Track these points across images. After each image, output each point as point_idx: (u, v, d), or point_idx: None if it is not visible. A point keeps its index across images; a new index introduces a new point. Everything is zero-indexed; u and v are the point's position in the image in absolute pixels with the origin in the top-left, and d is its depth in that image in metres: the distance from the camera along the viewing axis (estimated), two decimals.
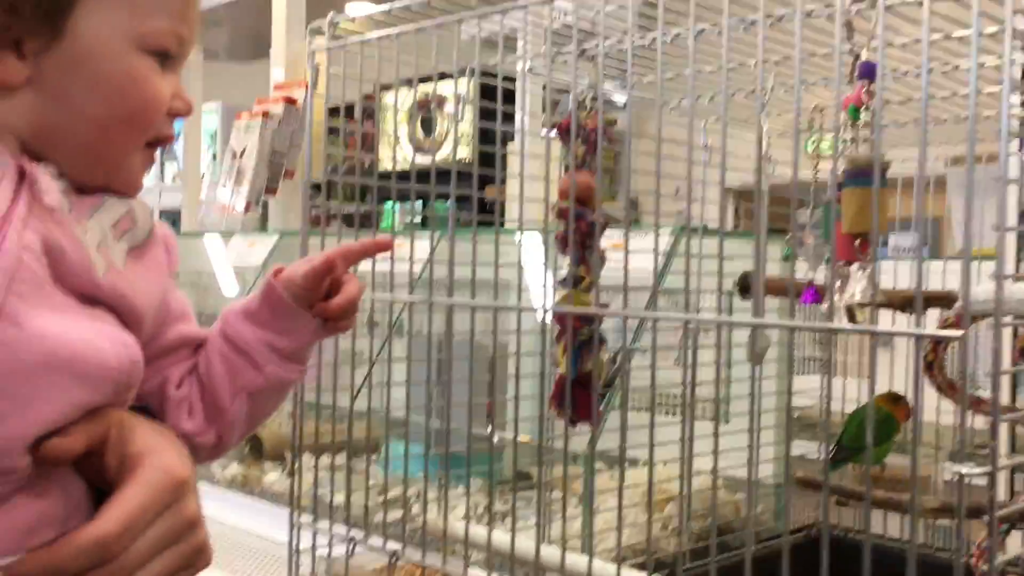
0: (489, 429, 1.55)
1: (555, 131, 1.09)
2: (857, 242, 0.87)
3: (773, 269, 1.60)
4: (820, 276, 1.52)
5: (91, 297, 0.68)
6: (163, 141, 0.76)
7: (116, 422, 0.68)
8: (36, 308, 0.63)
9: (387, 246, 0.88)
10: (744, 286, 1.49)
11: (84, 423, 0.66)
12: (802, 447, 1.81)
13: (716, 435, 0.96)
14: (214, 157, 5.06)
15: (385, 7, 1.13)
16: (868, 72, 0.89)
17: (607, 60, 1.17)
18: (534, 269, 1.60)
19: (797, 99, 0.87)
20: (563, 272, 1.10)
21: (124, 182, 0.75)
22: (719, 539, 1.26)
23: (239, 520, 1.97)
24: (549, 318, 1.11)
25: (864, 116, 0.89)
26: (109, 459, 0.67)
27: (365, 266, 1.45)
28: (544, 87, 1.60)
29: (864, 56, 0.89)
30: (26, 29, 0.67)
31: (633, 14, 0.96)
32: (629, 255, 1.08)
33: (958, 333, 0.77)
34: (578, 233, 1.03)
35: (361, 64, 1.17)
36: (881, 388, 1.92)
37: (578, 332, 1.05)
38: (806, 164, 1.47)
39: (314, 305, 0.80)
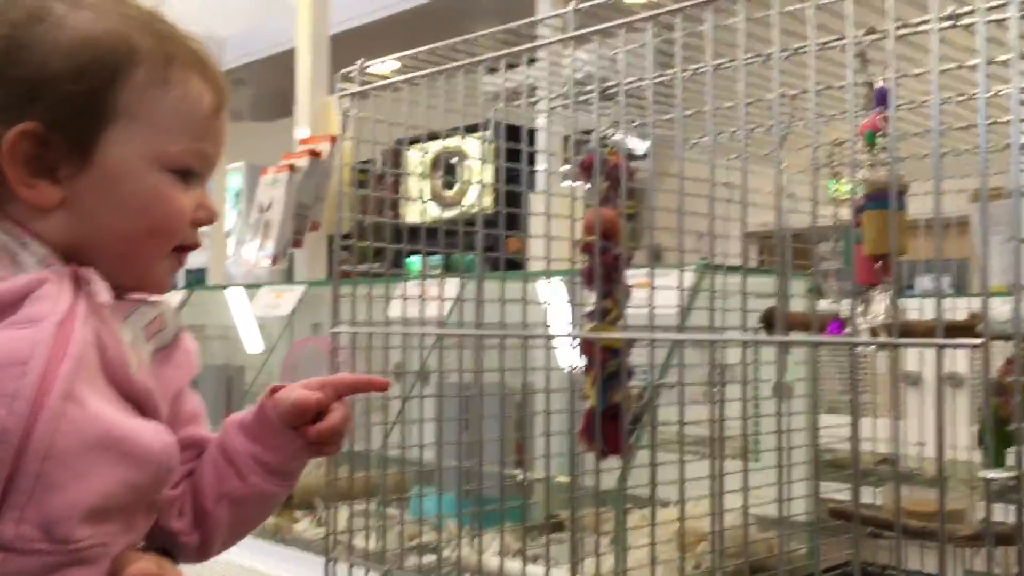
0: (520, 475, 1.55)
1: (579, 169, 1.11)
2: (879, 264, 0.88)
3: (797, 306, 1.61)
4: (844, 309, 1.53)
5: (123, 391, 0.74)
6: (189, 248, 0.83)
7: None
8: (93, 394, 0.70)
9: (382, 386, 0.90)
10: (768, 321, 1.49)
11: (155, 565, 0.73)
12: (834, 488, 1.79)
13: (745, 471, 0.96)
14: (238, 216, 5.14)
15: (409, 52, 1.17)
16: (882, 98, 0.91)
17: (626, 101, 1.20)
18: (558, 310, 1.62)
19: (815, 128, 0.88)
20: (589, 307, 1.11)
21: (153, 285, 0.82)
22: None
23: (272, 568, 1.97)
24: (576, 351, 1.12)
25: (881, 141, 0.91)
26: None
27: (395, 310, 1.48)
28: (566, 138, 1.64)
29: (879, 84, 0.91)
30: (58, 158, 0.73)
31: (651, 51, 0.98)
32: (654, 291, 1.10)
33: (976, 340, 0.78)
34: (604, 267, 1.04)
35: (388, 109, 1.21)
36: (910, 428, 1.91)
37: (606, 364, 1.06)
38: (827, 206, 1.48)
39: (299, 427, 0.84)
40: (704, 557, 1.62)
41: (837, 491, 1.77)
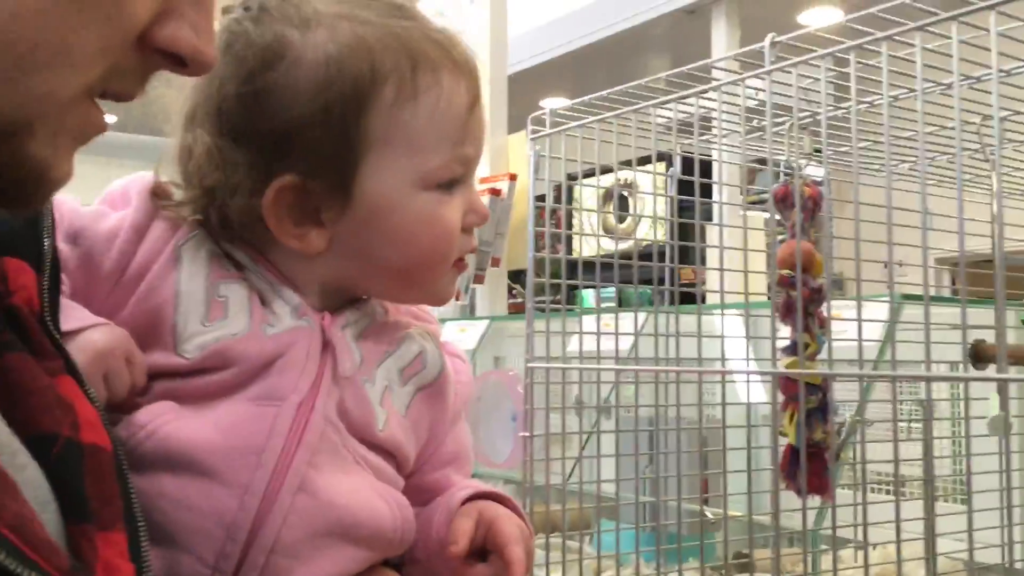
0: (710, 513, 1.52)
1: (773, 200, 1.09)
2: None
3: (1010, 338, 1.51)
4: None
5: (370, 447, 0.72)
6: (467, 253, 0.77)
7: None
8: (328, 475, 0.68)
9: None
10: (977, 355, 1.40)
11: None
12: None
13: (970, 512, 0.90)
14: None
15: (585, 98, 1.19)
16: None
17: (803, 134, 1.17)
18: (740, 344, 1.59)
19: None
20: (785, 341, 1.08)
21: (437, 301, 0.78)
22: None
23: None
24: (771, 387, 1.09)
25: None
26: None
27: (574, 344, 1.49)
28: (740, 167, 1.61)
29: None
30: (320, 202, 0.69)
31: (854, 80, 0.96)
32: (858, 324, 1.06)
33: None
34: (802, 300, 1.02)
35: (579, 146, 1.23)
36: None
37: (805, 400, 1.03)
38: None
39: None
40: None
41: None
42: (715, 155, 1.57)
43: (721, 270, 1.17)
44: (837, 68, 0.93)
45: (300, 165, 0.68)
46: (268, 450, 0.66)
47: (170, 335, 0.69)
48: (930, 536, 1.22)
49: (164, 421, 0.66)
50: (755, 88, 1.17)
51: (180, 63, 0.47)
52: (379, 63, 0.68)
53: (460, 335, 2.51)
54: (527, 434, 1.17)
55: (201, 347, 0.69)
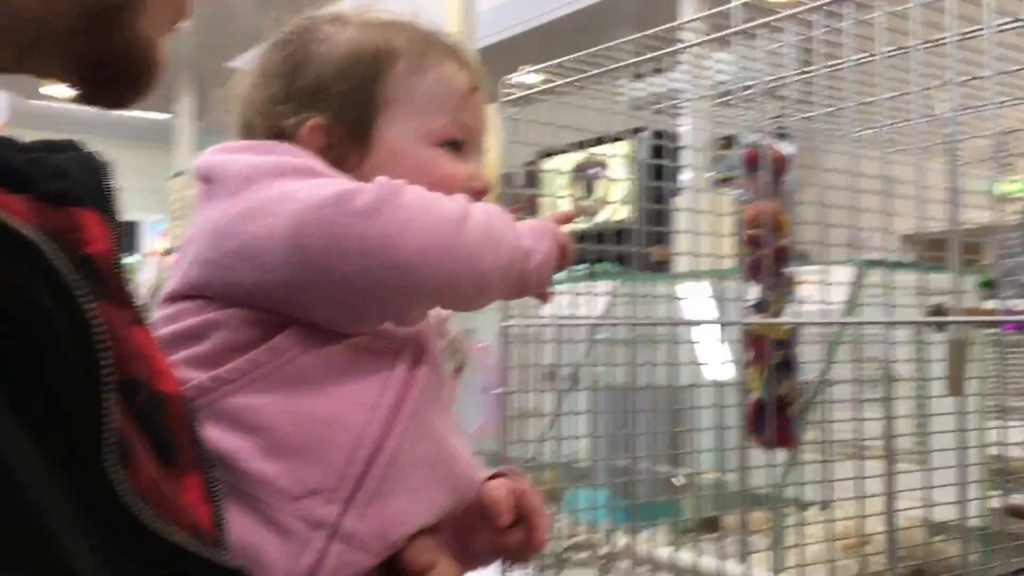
0: (677, 476, 1.55)
1: (741, 163, 1.12)
2: None
3: (967, 302, 1.55)
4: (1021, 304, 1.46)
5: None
6: None
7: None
8: (433, 414, 0.77)
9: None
10: (937, 314, 1.44)
11: (429, 541, 0.76)
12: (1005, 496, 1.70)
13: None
14: None
15: (555, 62, 1.20)
16: None
17: (773, 100, 1.19)
18: (710, 307, 1.61)
19: (991, 116, 0.86)
20: (751, 300, 1.11)
21: None
22: None
23: None
24: (740, 344, 1.12)
25: None
26: None
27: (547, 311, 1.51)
28: (721, 139, 1.62)
29: None
30: (345, 147, 0.83)
31: (817, 41, 0.98)
32: (822, 285, 1.09)
33: None
34: (769, 259, 1.05)
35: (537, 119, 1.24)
36: None
37: (772, 356, 1.06)
38: (997, 204, 1.42)
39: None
40: (871, 560, 1.57)
41: (1008, 499, 1.67)
42: (684, 125, 1.59)
43: (687, 232, 1.19)
44: (803, 31, 0.95)
45: (329, 111, 0.83)
46: (394, 375, 0.74)
47: None
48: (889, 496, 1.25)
49: (302, 348, 0.73)
50: (723, 61, 1.19)
51: None
52: (395, 46, 0.85)
53: None
54: (501, 391, 1.19)
55: None
